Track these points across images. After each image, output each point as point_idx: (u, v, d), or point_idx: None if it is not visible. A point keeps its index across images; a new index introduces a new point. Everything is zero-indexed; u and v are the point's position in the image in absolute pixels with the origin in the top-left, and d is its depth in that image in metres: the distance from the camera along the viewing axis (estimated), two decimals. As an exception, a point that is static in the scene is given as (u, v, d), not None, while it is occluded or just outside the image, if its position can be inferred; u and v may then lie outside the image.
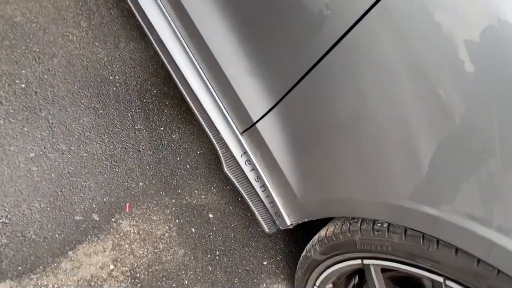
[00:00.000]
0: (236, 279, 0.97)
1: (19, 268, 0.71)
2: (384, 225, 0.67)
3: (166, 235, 0.91)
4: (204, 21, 0.82)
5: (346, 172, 0.69)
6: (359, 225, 0.72)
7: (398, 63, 0.56)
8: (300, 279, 0.91)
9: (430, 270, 0.61)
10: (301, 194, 0.80)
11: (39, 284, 0.72)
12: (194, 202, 1.01)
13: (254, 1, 0.74)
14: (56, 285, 0.73)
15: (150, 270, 0.85)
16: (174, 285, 0.86)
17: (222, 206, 1.05)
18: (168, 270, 0.87)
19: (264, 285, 1.01)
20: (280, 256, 1.08)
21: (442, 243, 0.57)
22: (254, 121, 0.84)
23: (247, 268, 1.01)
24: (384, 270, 0.76)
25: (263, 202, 0.94)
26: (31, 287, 0.71)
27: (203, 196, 1.03)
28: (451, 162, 0.53)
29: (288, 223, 0.88)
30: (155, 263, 0.86)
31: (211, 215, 1.02)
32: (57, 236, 0.78)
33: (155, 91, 1.11)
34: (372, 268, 0.72)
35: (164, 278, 0.86)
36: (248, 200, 0.94)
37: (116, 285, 0.79)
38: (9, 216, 0.74)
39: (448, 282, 0.59)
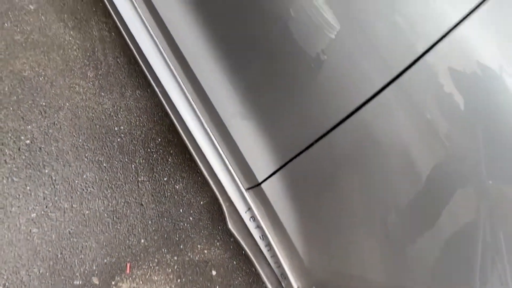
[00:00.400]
0: None
1: None
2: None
3: (167, 296, 0.88)
4: (213, 86, 0.82)
5: (358, 246, 0.66)
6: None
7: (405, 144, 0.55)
8: None
9: None
10: (307, 259, 0.77)
11: None
12: (197, 258, 0.98)
13: (263, 68, 0.74)
14: None
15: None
16: None
17: (225, 261, 1.02)
18: (169, 336, 0.84)
19: None
20: (285, 313, 1.03)
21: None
22: (259, 181, 0.82)
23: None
24: None
25: (268, 262, 0.91)
26: None
27: (206, 251, 1.00)
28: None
29: (295, 287, 0.85)
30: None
31: (214, 272, 0.98)
32: (54, 303, 0.75)
33: (159, 139, 1.10)
34: None
35: None
36: (253, 258, 0.91)
37: None
38: (6, 284, 0.72)
39: None
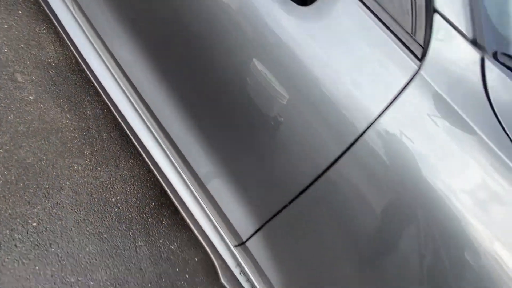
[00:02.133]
0: None
1: None
2: None
3: None
4: (190, 150, 0.94)
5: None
6: None
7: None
8: None
9: None
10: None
11: None
12: (194, 313, 1.06)
13: (238, 134, 0.86)
14: None
15: None
16: None
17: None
18: None
19: None
20: None
21: None
22: (244, 240, 0.93)
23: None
24: None
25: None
26: None
27: (200, 302, 1.09)
28: None
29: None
30: None
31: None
32: None
33: (153, 204, 1.21)
34: None
35: None
36: None
37: None
38: None
39: None
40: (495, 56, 0.59)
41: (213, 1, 0.74)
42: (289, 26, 0.66)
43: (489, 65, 0.58)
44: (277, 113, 0.72)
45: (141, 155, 1.28)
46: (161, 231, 1.17)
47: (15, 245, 0.94)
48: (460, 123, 0.56)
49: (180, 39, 0.84)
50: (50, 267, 0.94)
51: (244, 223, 0.92)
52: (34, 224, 0.99)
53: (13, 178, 1.03)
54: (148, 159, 1.06)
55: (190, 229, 1.22)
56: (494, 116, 0.56)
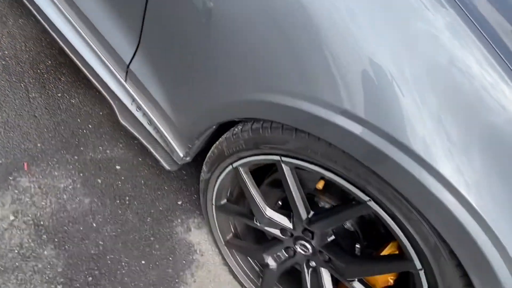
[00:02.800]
0: (149, 218, 1.04)
1: None
2: (238, 128, 0.76)
3: (70, 187, 0.97)
4: None
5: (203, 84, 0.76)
6: (225, 136, 0.81)
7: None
8: (202, 203, 1.00)
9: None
10: (177, 121, 0.88)
11: None
12: (99, 157, 1.07)
13: None
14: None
15: (54, 217, 0.91)
16: (81, 228, 0.93)
17: (130, 158, 1.12)
18: (74, 217, 0.93)
19: (179, 220, 1.09)
20: (195, 196, 1.16)
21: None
22: (127, 63, 0.90)
23: (160, 208, 1.08)
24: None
25: (160, 144, 1.01)
26: None
27: (108, 151, 1.09)
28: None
29: (181, 155, 0.96)
30: (59, 212, 0.92)
31: (118, 167, 1.08)
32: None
33: (49, 62, 1.14)
34: (241, 169, 0.81)
35: (70, 223, 0.92)
36: (147, 145, 1.01)
37: (18, 233, 0.85)
38: None
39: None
40: None
41: None
42: None
43: None
44: None
45: (32, 14, 1.17)
46: (60, 86, 1.12)
47: None
48: None
49: None
50: None
51: (124, 44, 0.89)
52: None
53: None
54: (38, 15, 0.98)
55: (94, 88, 1.18)
56: None
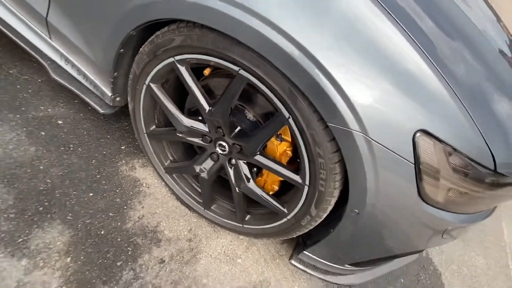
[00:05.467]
0: (94, 160, 1.16)
1: None
2: (142, 48, 0.89)
3: (15, 139, 1.08)
4: None
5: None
6: (134, 60, 0.94)
7: None
8: (137, 136, 1.13)
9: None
10: (95, 58, 1.01)
11: None
12: (41, 115, 1.18)
13: None
14: None
15: (2, 163, 1.01)
16: (28, 170, 1.04)
17: (71, 114, 1.23)
18: (21, 161, 1.04)
19: (124, 161, 1.22)
20: (138, 142, 1.28)
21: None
22: (44, 15, 1.02)
23: (104, 152, 1.20)
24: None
25: (91, 91, 1.14)
26: None
27: (49, 110, 1.21)
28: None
29: (109, 94, 1.08)
30: (5, 159, 1.03)
31: (60, 122, 1.20)
32: None
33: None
34: (152, 85, 0.94)
35: (17, 167, 1.03)
36: (81, 94, 1.13)
37: (-32, 176, 0.95)
38: None
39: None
40: None
41: None
42: None
43: None
44: None
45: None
46: (-4, 61, 1.22)
47: None
48: None
49: None
50: None
51: (38, 1, 1.01)
52: None
53: None
54: None
55: (32, 61, 1.29)
56: None
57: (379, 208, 0.77)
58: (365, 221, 0.82)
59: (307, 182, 0.83)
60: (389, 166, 0.70)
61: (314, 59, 0.65)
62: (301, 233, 1.01)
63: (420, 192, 0.72)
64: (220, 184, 1.15)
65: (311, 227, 0.96)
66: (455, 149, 0.68)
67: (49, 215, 0.99)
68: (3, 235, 0.91)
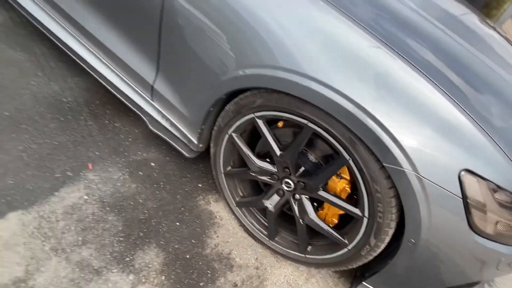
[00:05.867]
0: (178, 196, 1.41)
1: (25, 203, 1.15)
2: (227, 106, 1.15)
3: (121, 178, 1.37)
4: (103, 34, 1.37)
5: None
6: (220, 115, 1.20)
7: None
8: (215, 175, 1.36)
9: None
10: (187, 113, 1.29)
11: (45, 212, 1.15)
12: (139, 158, 1.47)
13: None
14: (48, 211, 1.16)
15: (113, 196, 1.29)
16: (131, 203, 1.30)
17: (160, 158, 1.52)
18: (126, 196, 1.31)
19: (201, 197, 1.45)
20: (211, 180, 1.52)
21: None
22: (151, 83, 1.35)
23: (186, 189, 1.45)
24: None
25: (179, 139, 1.41)
26: (36, 214, 1.14)
27: (144, 154, 1.50)
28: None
29: (195, 142, 1.35)
30: (115, 193, 1.31)
31: (153, 164, 1.48)
32: (45, 186, 1.23)
33: (98, 102, 1.63)
34: (234, 135, 1.18)
35: (123, 200, 1.30)
36: (171, 142, 1.42)
37: (91, 206, 1.23)
38: (14, 180, 1.20)
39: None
40: None
41: None
42: None
43: None
44: None
45: (87, 73, 1.69)
46: (107, 116, 1.58)
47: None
48: None
49: None
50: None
51: (146, 70, 1.34)
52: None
53: None
54: (88, 67, 1.49)
55: (129, 115, 1.63)
56: None
57: (433, 239, 0.89)
58: (421, 252, 0.93)
59: (366, 214, 0.98)
60: (439, 200, 0.83)
61: (367, 112, 0.84)
62: (360, 264, 1.12)
63: (470, 225, 0.83)
64: (283, 217, 1.32)
65: (370, 257, 1.07)
66: (498, 186, 0.79)
67: (147, 240, 1.22)
68: (115, 254, 1.15)
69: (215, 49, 1.05)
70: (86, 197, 1.26)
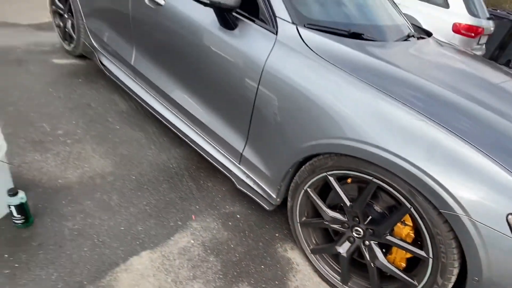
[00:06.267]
0: (260, 243, 1.68)
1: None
2: (303, 167, 1.47)
3: (216, 227, 1.70)
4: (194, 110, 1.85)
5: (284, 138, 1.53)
6: (297, 174, 1.52)
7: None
8: (291, 225, 1.62)
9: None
10: (270, 174, 1.62)
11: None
12: (227, 211, 1.81)
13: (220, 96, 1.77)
14: (168, 252, 1.51)
15: (212, 241, 1.61)
16: (225, 247, 1.60)
17: (243, 211, 1.85)
18: (221, 241, 1.63)
19: (279, 244, 1.70)
20: (285, 231, 1.78)
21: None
22: (241, 151, 1.74)
23: (266, 238, 1.72)
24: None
25: (261, 194, 1.74)
26: (159, 253, 1.50)
27: (231, 208, 1.84)
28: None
29: (274, 196, 1.66)
30: (213, 239, 1.63)
31: (238, 216, 1.80)
32: (164, 232, 1.60)
33: (194, 167, 2.07)
34: (309, 190, 1.47)
35: (220, 245, 1.61)
36: (254, 197, 1.75)
37: (196, 249, 1.56)
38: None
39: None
40: (303, 26, 1.49)
41: (184, 37, 1.75)
42: (224, 39, 1.61)
43: (301, 29, 1.47)
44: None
45: (183, 143, 2.19)
46: (201, 177, 1.99)
47: (128, 186, 1.81)
48: (306, 55, 1.44)
49: (175, 54, 1.84)
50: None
51: (236, 142, 1.75)
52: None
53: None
54: (187, 140, 1.97)
55: (218, 177, 2.04)
56: (308, 48, 1.43)
57: (495, 277, 1.03)
58: (486, 289, 1.06)
59: (430, 255, 1.15)
60: (493, 241, 1.00)
61: (421, 169, 1.08)
62: (430, 305, 1.24)
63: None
64: (354, 264, 1.50)
65: (440, 298, 1.20)
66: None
67: (240, 278, 1.48)
68: (217, 288, 1.42)
69: (295, 124, 1.42)
70: (192, 241, 1.60)
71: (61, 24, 3.03)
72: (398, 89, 1.28)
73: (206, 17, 1.67)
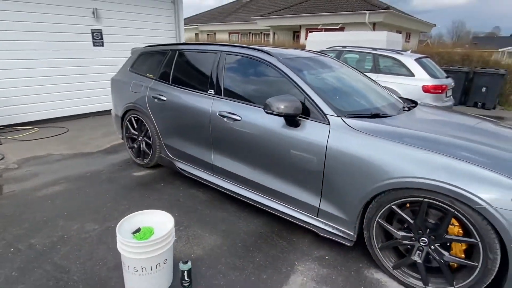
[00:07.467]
0: (352, 272, 2.21)
1: None
2: (371, 204, 2.14)
3: (314, 268, 2.25)
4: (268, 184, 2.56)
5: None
6: (367, 210, 2.17)
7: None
8: (372, 252, 2.19)
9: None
10: (345, 216, 2.26)
11: None
12: (317, 255, 2.38)
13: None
14: (291, 290, 2.04)
15: (317, 277, 2.14)
16: (328, 281, 2.13)
17: (328, 252, 2.41)
18: (323, 276, 2.16)
19: (366, 271, 2.23)
20: (366, 260, 2.33)
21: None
22: (318, 206, 2.40)
23: (354, 268, 2.26)
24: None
25: (339, 235, 2.34)
26: None
27: (319, 253, 2.41)
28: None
29: (351, 234, 2.27)
30: (316, 276, 2.16)
31: (327, 257, 2.36)
32: (281, 277, 2.13)
33: (277, 228, 2.68)
34: (379, 220, 2.10)
35: (322, 278, 2.14)
36: (335, 239, 2.34)
37: (308, 284, 2.08)
38: (264, 276, 2.13)
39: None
40: (344, 116, 2.34)
41: (246, 134, 2.58)
42: (292, 135, 2.43)
43: (344, 119, 2.33)
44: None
45: (265, 214, 2.84)
46: (282, 238, 2.59)
47: (239, 251, 2.38)
48: (353, 133, 2.26)
49: (253, 150, 2.63)
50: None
51: (313, 200, 2.43)
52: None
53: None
54: (264, 207, 2.64)
55: (308, 230, 2.63)
56: (352, 128, 2.26)
57: (522, 241, 1.64)
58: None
59: (478, 240, 1.76)
60: (511, 216, 1.64)
61: (453, 185, 1.78)
62: (488, 281, 1.79)
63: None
64: (427, 269, 2.05)
65: (495, 270, 1.76)
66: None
67: (350, 297, 1.99)
68: (338, 306, 1.92)
69: (360, 176, 2.13)
70: (305, 279, 2.13)
71: (135, 146, 3.91)
72: (419, 142, 2.06)
73: (277, 123, 2.53)
